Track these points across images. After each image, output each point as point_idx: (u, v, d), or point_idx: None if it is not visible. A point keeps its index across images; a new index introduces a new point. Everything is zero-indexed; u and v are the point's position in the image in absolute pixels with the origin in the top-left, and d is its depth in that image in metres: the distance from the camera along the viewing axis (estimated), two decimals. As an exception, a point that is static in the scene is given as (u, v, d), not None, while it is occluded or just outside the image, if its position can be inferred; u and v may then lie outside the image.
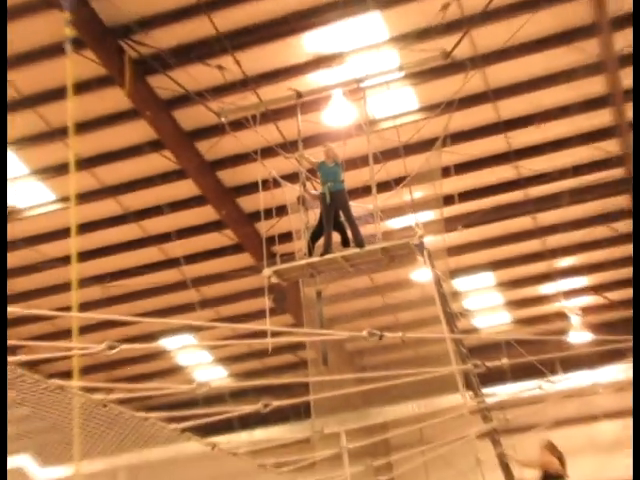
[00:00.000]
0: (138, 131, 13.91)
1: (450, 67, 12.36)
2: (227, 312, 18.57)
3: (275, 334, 12.91)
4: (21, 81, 12.93)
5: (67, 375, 7.52)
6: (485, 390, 12.77)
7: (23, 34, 12.06)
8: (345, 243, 10.79)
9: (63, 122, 10.52)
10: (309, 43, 12.64)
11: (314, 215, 11.13)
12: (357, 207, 11.31)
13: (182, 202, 15.57)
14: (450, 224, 15.02)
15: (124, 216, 15.83)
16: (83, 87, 12.04)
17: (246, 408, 6.64)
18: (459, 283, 18.01)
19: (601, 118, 14.14)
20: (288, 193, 11.86)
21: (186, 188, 15.15)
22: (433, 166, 12.90)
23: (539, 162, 14.93)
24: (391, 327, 16.96)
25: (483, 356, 7.86)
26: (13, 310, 4.90)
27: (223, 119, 12.41)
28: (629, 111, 13.76)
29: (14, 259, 16.46)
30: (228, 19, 12.09)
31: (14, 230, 15.81)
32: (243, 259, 16.75)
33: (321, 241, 10.70)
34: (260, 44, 12.48)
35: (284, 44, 12.56)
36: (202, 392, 5.84)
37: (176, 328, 18.67)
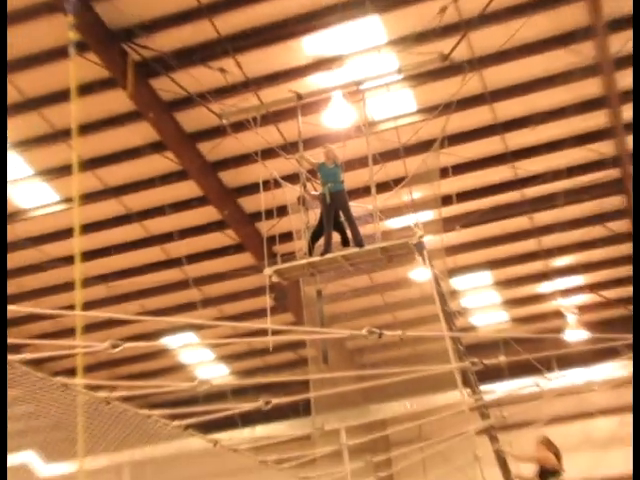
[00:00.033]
0: (141, 133, 13.90)
1: (448, 69, 12.36)
2: (229, 311, 18.57)
3: (276, 332, 12.91)
4: (25, 83, 12.93)
5: (71, 373, 7.53)
6: (483, 387, 12.74)
7: (28, 37, 12.07)
8: (345, 243, 10.78)
9: (67, 124, 10.51)
10: (309, 46, 12.64)
11: (314, 215, 11.13)
12: (357, 207, 11.30)
13: (184, 202, 15.57)
14: (448, 224, 15.01)
15: (127, 216, 15.82)
16: (86, 89, 12.03)
17: (247, 405, 6.64)
18: (457, 282, 18.01)
19: (596, 120, 14.14)
20: (289, 194, 11.85)
21: (188, 189, 15.15)
22: (431, 167, 12.89)
23: (535, 163, 14.93)
24: (390, 325, 17.00)
25: (481, 354, 7.86)
26: (18, 309, 4.91)
27: (224, 121, 12.40)
28: (624, 113, 13.77)
29: (19, 259, 16.47)
30: (229, 22, 12.10)
31: (19, 230, 15.82)
32: (244, 259, 16.75)
33: (321, 241, 10.69)
34: (261, 47, 12.48)
35: (284, 47, 12.56)
36: (204, 390, 5.83)
37: (178, 327, 18.67)
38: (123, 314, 16.69)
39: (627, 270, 18.03)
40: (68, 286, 14.36)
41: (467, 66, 12.34)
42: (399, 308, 18.40)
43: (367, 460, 10.85)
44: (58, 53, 11.63)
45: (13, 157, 14.28)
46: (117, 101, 13.16)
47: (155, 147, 14.21)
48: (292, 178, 12.05)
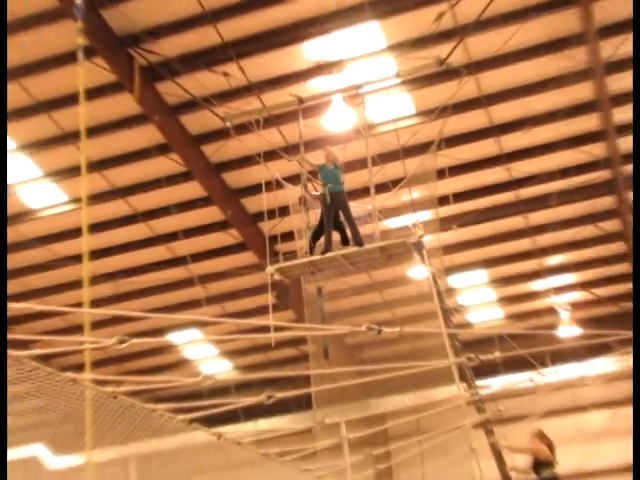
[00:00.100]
0: (147, 135, 13.89)
1: (445, 74, 12.33)
2: (232, 308, 18.55)
3: (278, 329, 12.86)
4: (35, 87, 12.92)
5: (79, 368, 7.51)
6: (479, 382, 12.74)
7: (38, 43, 12.07)
8: (345, 242, 10.76)
9: (75, 126, 10.49)
10: (310, 51, 12.62)
11: (315, 215, 11.11)
12: (356, 207, 11.28)
13: (189, 203, 15.56)
14: (445, 224, 15.01)
15: (133, 216, 15.81)
16: (94, 93, 12.04)
17: (250, 400, 6.62)
18: (454, 280, 17.99)
19: (589, 123, 14.12)
20: (290, 194, 11.83)
21: (192, 189, 15.13)
22: (429, 168, 12.88)
23: (530, 165, 14.92)
24: (389, 322, 17.03)
25: (477, 350, 7.85)
26: (27, 306, 4.89)
27: (228, 123, 12.38)
28: (616, 116, 13.76)
29: (28, 258, 16.48)
30: (233, 28, 12.08)
31: (28, 230, 15.82)
32: (247, 257, 16.73)
33: (322, 240, 10.68)
34: (263, 52, 12.47)
35: (286, 52, 12.54)
36: (208, 384, 5.82)
37: (183, 323, 18.65)
38: (129, 311, 16.68)
39: (618, 268, 18.03)
40: (76, 284, 14.34)
41: (463, 70, 12.32)
42: (397, 305, 18.39)
43: (367, 453, 10.87)
44: (67, 58, 11.61)
45: (23, 159, 14.28)
46: (124, 104, 13.15)
47: (161, 149, 14.20)
48: (293, 179, 12.03)
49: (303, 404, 17.14)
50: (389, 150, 13.91)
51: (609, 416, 19.79)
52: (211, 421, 7.85)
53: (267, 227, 12.46)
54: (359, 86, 11.80)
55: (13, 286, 16.84)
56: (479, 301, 19.21)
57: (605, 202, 15.96)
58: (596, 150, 14.68)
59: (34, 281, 17.20)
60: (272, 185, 11.85)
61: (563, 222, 16.45)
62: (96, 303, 15.33)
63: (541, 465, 10.52)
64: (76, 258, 13.99)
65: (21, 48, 12.12)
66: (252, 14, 11.96)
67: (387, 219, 13.43)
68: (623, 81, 13.29)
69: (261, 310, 16.66)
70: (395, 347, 17.77)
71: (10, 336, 4.53)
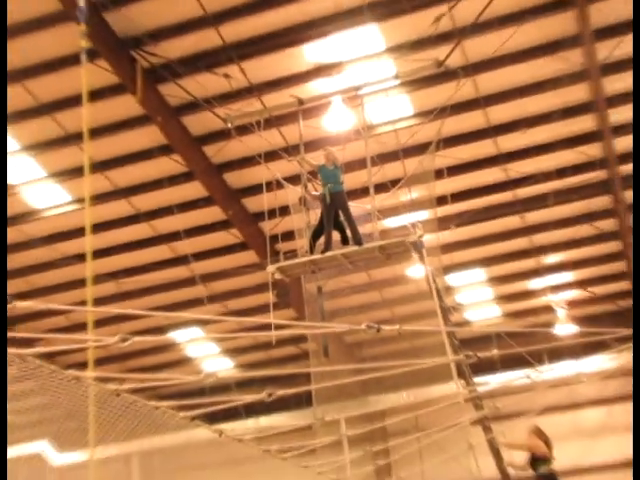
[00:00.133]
0: (149, 136, 13.89)
1: (443, 75, 12.34)
2: (233, 306, 18.56)
3: (279, 327, 12.85)
4: (39, 89, 12.93)
5: (82, 366, 7.52)
6: (477, 379, 12.74)
7: (41, 45, 12.08)
8: (344, 241, 10.76)
9: (78, 128, 10.49)
10: (310, 53, 12.62)
11: (315, 215, 11.10)
12: (356, 207, 11.28)
13: (191, 203, 15.56)
14: (443, 223, 14.98)
15: (136, 216, 15.82)
16: (97, 95, 12.04)
17: (251, 397, 6.62)
18: (452, 279, 17.99)
19: (584, 124, 14.12)
20: (290, 194, 11.83)
21: (194, 190, 15.13)
22: (427, 168, 12.86)
23: (526, 165, 14.92)
24: (388, 320, 16.99)
25: (475, 347, 7.85)
26: (32, 304, 4.90)
27: (229, 124, 12.38)
28: (611, 117, 13.76)
29: (33, 257, 16.49)
30: (234, 31, 12.08)
31: (33, 229, 15.83)
32: (248, 256, 16.73)
33: (322, 239, 10.67)
34: (264, 54, 12.47)
35: (287, 54, 12.54)
36: (210, 382, 5.82)
37: (185, 322, 18.65)
38: (132, 310, 16.68)
39: (614, 267, 18.04)
40: (79, 283, 14.27)
41: (461, 72, 12.31)
42: (396, 304, 18.38)
43: (366, 449, 10.85)
44: (70, 60, 11.63)
45: (27, 159, 14.28)
46: (127, 106, 13.15)
47: (163, 150, 14.20)
48: (294, 179, 12.03)
49: (303, 401, 17.12)
50: (388, 150, 13.92)
51: (605, 413, 19.80)
52: (213, 418, 7.85)
53: (268, 227, 12.46)
54: (358, 87, 11.80)
55: (17, 285, 16.86)
56: (477, 299, 19.22)
57: (601, 202, 15.96)
58: (592, 150, 14.67)
59: (38, 280, 17.21)
60: (273, 185, 11.84)
61: (560, 221, 16.45)
62: (99, 302, 15.34)
63: (538, 461, 10.53)
64: (79, 257, 13.97)
65: (25, 50, 12.13)
66: (253, 17, 11.96)
67: (386, 219, 13.43)
68: (618, 83, 13.30)
69: (262, 308, 16.63)
70: (394, 345, 17.75)
71: (14, 334, 4.53)
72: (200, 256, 16.72)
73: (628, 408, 19.52)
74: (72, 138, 13.35)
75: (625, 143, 14.33)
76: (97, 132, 12.41)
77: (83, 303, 8.54)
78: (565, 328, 18.10)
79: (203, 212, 15.75)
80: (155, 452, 21.05)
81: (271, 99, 12.75)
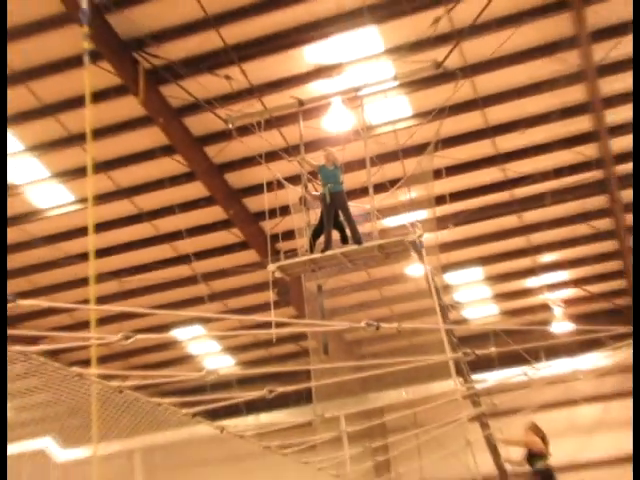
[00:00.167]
0: (151, 137, 13.89)
1: (441, 77, 12.33)
2: (234, 305, 18.56)
3: (279, 325, 12.90)
4: (42, 90, 12.92)
5: (86, 363, 7.51)
6: (474, 376, 12.74)
7: (45, 47, 12.07)
8: (344, 240, 10.76)
9: (81, 128, 10.48)
10: (310, 55, 12.62)
11: (315, 215, 11.10)
12: (355, 207, 11.28)
13: (192, 202, 15.56)
14: (442, 222, 14.98)
15: (138, 216, 15.81)
16: (100, 96, 12.03)
17: (252, 394, 6.62)
18: (450, 277, 17.99)
19: (581, 124, 14.12)
20: (291, 194, 11.83)
21: (196, 189, 15.13)
22: (426, 169, 12.86)
23: (524, 165, 14.92)
24: (387, 318, 16.97)
25: (473, 345, 7.85)
26: (35, 303, 4.90)
27: (230, 125, 12.38)
28: (607, 117, 13.76)
29: (36, 256, 16.48)
30: (235, 32, 12.07)
31: (36, 229, 15.83)
32: (249, 255, 16.73)
33: (322, 239, 10.67)
34: (265, 55, 12.46)
35: (287, 55, 12.54)
36: (211, 379, 5.82)
37: (187, 320, 18.66)
38: (135, 308, 16.69)
39: (610, 266, 18.04)
40: (83, 281, 14.29)
41: (459, 73, 12.32)
42: (395, 302, 18.38)
43: (365, 446, 10.87)
44: (73, 62, 11.63)
45: (31, 160, 14.28)
46: (129, 107, 13.15)
47: (165, 150, 14.20)
48: (294, 179, 12.03)
49: (303, 398, 17.15)
50: (387, 151, 13.91)
51: (601, 409, 19.81)
52: (214, 415, 7.86)
53: (268, 226, 12.46)
54: (358, 89, 11.80)
55: (21, 284, 16.86)
56: (475, 298, 19.22)
57: (597, 201, 15.96)
58: (589, 151, 14.67)
59: (41, 279, 17.21)
60: (273, 185, 11.84)
61: (556, 221, 16.45)
62: (102, 300, 15.29)
63: (535, 457, 10.53)
64: (82, 256, 14.02)
65: (28, 52, 12.13)
66: (253, 19, 11.95)
67: (385, 218, 13.43)
68: (615, 83, 13.30)
69: (263, 307, 16.65)
70: (393, 343, 17.75)
71: (19, 332, 4.53)
72: (201, 255, 16.72)
73: (624, 405, 19.59)
74: (75, 139, 13.35)
75: (621, 143, 14.34)
76: (100, 133, 12.43)
77: (86, 302, 8.53)
78: (561, 326, 18.12)
79: (204, 212, 15.75)
80: (157, 448, 21.08)
81: (272, 100, 12.74)
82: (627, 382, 19.41)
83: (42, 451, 19.84)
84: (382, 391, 18.59)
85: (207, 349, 20.83)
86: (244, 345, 20.45)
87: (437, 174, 13.91)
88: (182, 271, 17.31)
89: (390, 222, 13.96)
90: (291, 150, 13.29)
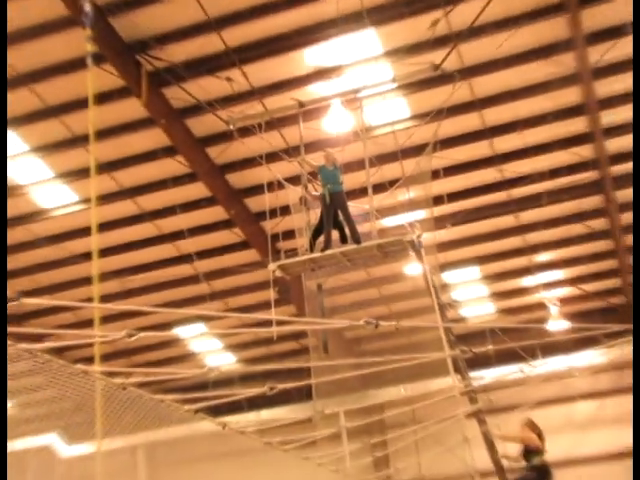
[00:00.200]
0: (153, 138, 13.89)
1: (439, 79, 12.33)
2: (236, 303, 18.56)
3: (280, 323, 12.89)
4: (47, 92, 12.93)
5: (90, 361, 7.52)
6: (472, 374, 12.74)
7: (49, 49, 12.07)
8: (343, 240, 10.77)
9: (85, 130, 10.52)
10: (310, 57, 12.62)
11: (315, 214, 11.11)
12: (354, 207, 11.29)
13: (194, 203, 15.56)
14: (440, 222, 14.99)
15: (141, 216, 15.82)
16: (103, 98, 12.01)
17: (253, 391, 6.63)
18: (448, 276, 17.99)
19: (577, 125, 14.13)
20: (291, 194, 11.84)
21: (197, 190, 15.14)
22: (424, 169, 12.87)
23: (521, 165, 14.92)
24: (386, 316, 17.01)
25: (470, 343, 7.88)
26: (40, 301, 4.90)
27: (231, 127, 12.38)
28: (603, 118, 13.76)
29: (40, 255, 16.49)
30: (236, 35, 12.08)
31: (40, 229, 15.83)
32: (250, 255, 16.74)
33: (321, 238, 10.68)
34: (265, 58, 12.47)
35: (287, 58, 12.54)
36: (213, 376, 5.84)
37: (189, 318, 18.64)
38: (138, 306, 16.68)
39: (605, 265, 18.04)
40: (86, 280, 14.34)
41: (457, 75, 12.32)
42: (394, 300, 18.39)
43: (364, 442, 10.88)
44: (77, 64, 11.61)
45: (35, 161, 14.29)
46: (132, 109, 13.15)
47: (167, 151, 14.21)
48: (294, 180, 12.04)
49: (304, 395, 17.12)
50: (386, 152, 13.91)
51: (596, 406, 19.81)
52: (216, 411, 7.86)
53: (269, 226, 12.47)
54: (357, 90, 11.80)
55: (26, 282, 16.87)
56: (472, 296, 19.22)
57: (593, 201, 15.97)
58: (584, 151, 14.68)
59: (46, 278, 17.21)
60: (274, 185, 11.85)
61: (552, 220, 16.46)
62: (105, 299, 15.31)
63: (531, 453, 10.53)
64: (86, 256, 13.99)
65: (33, 55, 12.13)
66: (254, 22, 11.96)
67: (384, 218, 13.43)
68: (610, 85, 13.31)
69: (263, 305, 16.69)
70: (392, 340, 17.76)
71: (24, 330, 4.54)
72: (203, 254, 16.73)
73: (619, 401, 19.62)
74: (79, 140, 13.36)
75: (616, 144, 14.35)
76: (103, 134, 12.42)
77: (90, 300, 8.54)
78: (557, 324, 18.12)
79: (206, 212, 15.75)
80: (160, 444, 21.08)
81: (272, 102, 12.74)
82: (622, 379, 19.47)
83: (47, 447, 19.86)
84: (381, 388, 18.60)
85: (209, 347, 20.84)
86: (245, 343, 20.45)
87: (435, 174, 13.92)
88: (184, 270, 17.32)
89: (389, 222, 13.96)
90: (291, 151, 13.29)
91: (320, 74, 12.79)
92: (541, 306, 19.24)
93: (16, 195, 14.89)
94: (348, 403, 13.24)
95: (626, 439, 18.58)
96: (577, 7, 11.79)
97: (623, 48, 12.35)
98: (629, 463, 17.79)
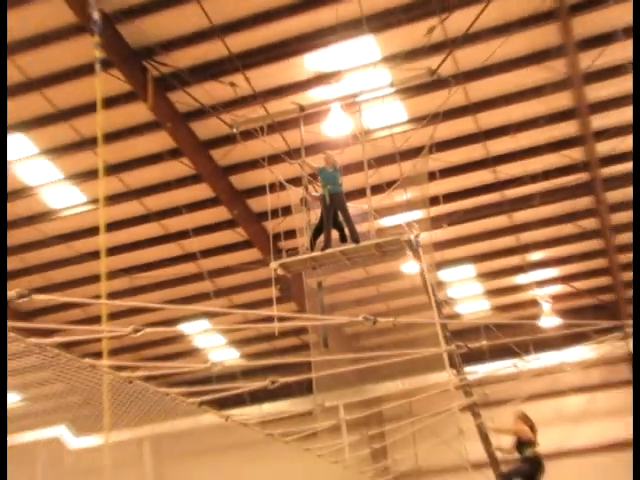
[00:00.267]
0: (159, 141, 13.89)
1: (435, 84, 12.32)
2: (239, 300, 18.56)
3: (281, 319, 12.89)
4: (57, 97, 12.93)
5: (98, 356, 7.53)
6: (467, 368, 12.75)
7: (59, 56, 12.07)
8: (343, 239, 10.76)
9: (93, 133, 10.52)
10: (310, 63, 12.62)
11: (315, 215, 11.10)
12: (353, 207, 11.28)
13: (198, 203, 15.56)
14: (436, 222, 14.98)
15: (147, 216, 15.82)
16: (111, 102, 12.03)
17: (256, 384, 6.63)
18: (444, 274, 17.99)
19: (568, 129, 14.12)
20: (292, 195, 11.83)
21: (202, 191, 15.14)
22: (420, 171, 12.87)
23: (514, 167, 14.91)
24: (384, 313, 17.02)
25: (465, 338, 7.87)
26: (51, 298, 4.91)
27: (235, 130, 12.37)
28: (593, 122, 13.76)
29: (50, 254, 16.50)
30: (239, 42, 12.07)
31: (50, 228, 15.83)
32: (252, 254, 16.74)
33: (322, 238, 10.68)
34: (267, 63, 12.46)
35: (288, 64, 12.54)
36: (216, 371, 5.83)
37: (194, 314, 18.66)
38: (144, 303, 16.69)
39: (595, 263, 18.04)
40: (95, 278, 14.35)
41: (452, 80, 12.30)
42: (392, 298, 18.39)
43: (363, 434, 10.87)
44: (86, 70, 11.62)
45: (45, 163, 14.29)
46: (138, 113, 13.15)
47: (172, 154, 14.20)
48: (295, 181, 12.03)
49: (304, 389, 17.17)
50: (384, 154, 13.92)
51: (586, 400, 19.82)
52: (219, 404, 7.87)
53: (271, 226, 12.47)
54: (356, 95, 11.80)
55: (37, 280, 16.88)
56: (467, 294, 19.22)
57: (584, 202, 15.96)
58: (575, 154, 14.67)
59: (56, 276, 17.22)
60: (275, 187, 11.85)
61: (545, 220, 16.46)
62: (113, 296, 15.35)
63: (524, 445, 10.54)
64: (94, 254, 13.99)
65: (43, 61, 12.13)
66: (256, 29, 11.96)
67: (382, 218, 13.43)
68: (600, 90, 13.31)
69: (265, 302, 16.68)
70: (390, 336, 17.77)
71: (34, 325, 4.55)
72: (207, 253, 16.72)
73: (608, 395, 19.64)
74: (87, 143, 13.36)
75: (606, 147, 14.34)
76: (111, 137, 12.42)
77: (98, 297, 8.55)
78: (549, 321, 18.11)
79: (210, 212, 15.75)
80: (166, 436, 21.08)
81: (274, 106, 12.74)
82: (611, 374, 19.49)
83: (56, 439, 19.87)
84: (379, 382, 18.60)
85: (213, 342, 20.84)
86: (248, 338, 20.46)
87: (431, 176, 13.90)
88: (189, 268, 17.32)
89: (387, 222, 13.96)
90: (292, 153, 13.29)
91: (320, 79, 12.79)
92: (534, 303, 19.24)
93: (27, 196, 14.90)
94: (347, 396, 13.24)
95: (615, 432, 18.69)
96: (568, 15, 11.79)
97: (613, 54, 12.35)
98: (618, 455, 17.88)
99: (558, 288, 18.96)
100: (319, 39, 12.15)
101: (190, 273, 17.48)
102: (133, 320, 15.86)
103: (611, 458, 18.50)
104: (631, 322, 8.18)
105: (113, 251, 15.10)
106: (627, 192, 15.28)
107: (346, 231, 10.71)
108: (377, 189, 12.85)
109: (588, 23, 12.05)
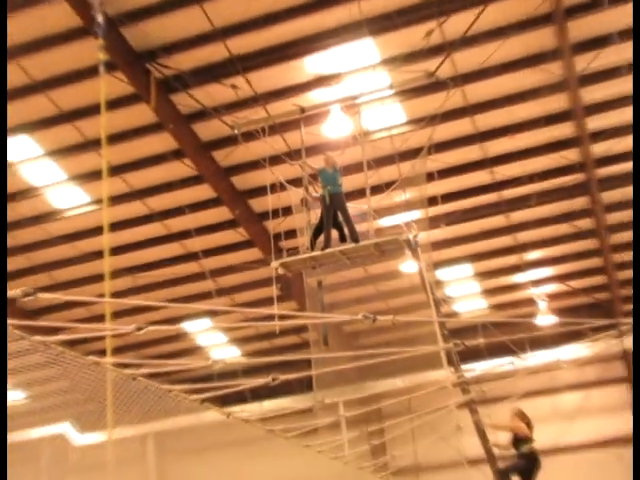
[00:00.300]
0: (162, 142, 13.89)
1: (433, 86, 12.32)
2: (240, 299, 18.55)
3: (282, 318, 12.89)
4: (61, 99, 12.92)
5: (101, 353, 7.52)
6: (464, 366, 12.75)
7: (63, 58, 12.07)
8: (342, 239, 10.76)
9: (97, 134, 10.49)
10: (311, 65, 12.61)
11: (315, 215, 11.11)
12: (353, 207, 11.28)
13: (200, 203, 15.55)
14: (434, 222, 14.98)
15: (150, 216, 15.81)
16: (114, 104, 12.03)
17: (257, 382, 6.63)
18: (442, 273, 17.98)
19: (564, 130, 14.12)
20: (293, 196, 11.83)
21: (204, 191, 15.13)
22: (419, 172, 12.87)
23: (511, 168, 14.91)
24: (383, 312, 16.94)
25: (463, 337, 7.86)
26: (55, 296, 4.91)
27: (236, 131, 12.38)
28: (589, 124, 13.76)
29: (55, 253, 16.49)
30: (240, 44, 12.07)
31: (55, 228, 15.83)
32: (254, 253, 16.73)
33: (322, 237, 10.68)
34: (268, 66, 12.46)
35: (289, 66, 12.54)
36: (218, 368, 5.83)
37: (196, 313, 18.64)
38: (147, 302, 16.68)
39: (591, 263, 18.03)
40: (98, 277, 14.31)
41: (450, 83, 12.31)
42: (391, 296, 18.38)
43: (362, 430, 10.88)
44: (90, 72, 11.61)
45: (50, 164, 14.28)
46: (141, 114, 13.15)
47: (175, 155, 14.20)
48: (296, 182, 12.03)
49: (304, 386, 17.12)
50: (383, 155, 13.90)
51: (581, 397, 19.82)
52: (221, 401, 7.85)
53: (272, 225, 12.49)
54: (355, 97, 11.81)
55: (41, 279, 16.87)
56: (465, 293, 19.21)
57: (579, 202, 15.95)
58: (571, 155, 14.67)
59: (60, 275, 17.21)
60: (276, 187, 11.85)
61: (541, 220, 16.45)
62: (116, 295, 15.37)
63: (520, 441, 10.56)
64: (98, 254, 13.98)
65: (48, 63, 12.12)
66: (258, 32, 11.95)
67: (381, 218, 13.43)
68: (595, 92, 13.31)
69: (266, 301, 16.68)
70: (389, 334, 17.74)
71: (39, 323, 4.54)
72: (209, 253, 16.72)
73: (603, 392, 19.64)
74: (91, 144, 13.35)
75: (602, 148, 14.34)
76: (114, 138, 12.42)
77: (102, 296, 8.55)
78: (545, 319, 18.12)
79: (212, 212, 15.75)
80: (168, 433, 21.09)
81: (275, 108, 12.74)
82: (606, 371, 19.49)
83: (61, 435, 19.88)
84: (378, 379, 18.59)
85: (215, 341, 20.82)
86: (249, 337, 20.45)
87: (430, 177, 13.90)
88: (191, 268, 17.31)
89: (386, 222, 13.95)
90: (293, 154, 13.27)
91: (320, 81, 12.78)
92: (530, 302, 19.24)
93: (32, 196, 14.89)
94: (347, 394, 13.25)
95: (610, 428, 18.70)
96: (564, 18, 11.79)
97: (608, 57, 12.35)
98: (613, 451, 17.90)
99: (554, 287, 18.95)
100: (319, 42, 12.15)
101: (192, 272, 17.47)
102: (136, 319, 15.85)
103: (606, 454, 18.51)
104: (626, 320, 8.18)
105: (116, 251, 15.05)
106: (622, 192, 15.29)
107: (346, 231, 10.71)
108: (376, 189, 12.83)
109: (583, 26, 12.05)
